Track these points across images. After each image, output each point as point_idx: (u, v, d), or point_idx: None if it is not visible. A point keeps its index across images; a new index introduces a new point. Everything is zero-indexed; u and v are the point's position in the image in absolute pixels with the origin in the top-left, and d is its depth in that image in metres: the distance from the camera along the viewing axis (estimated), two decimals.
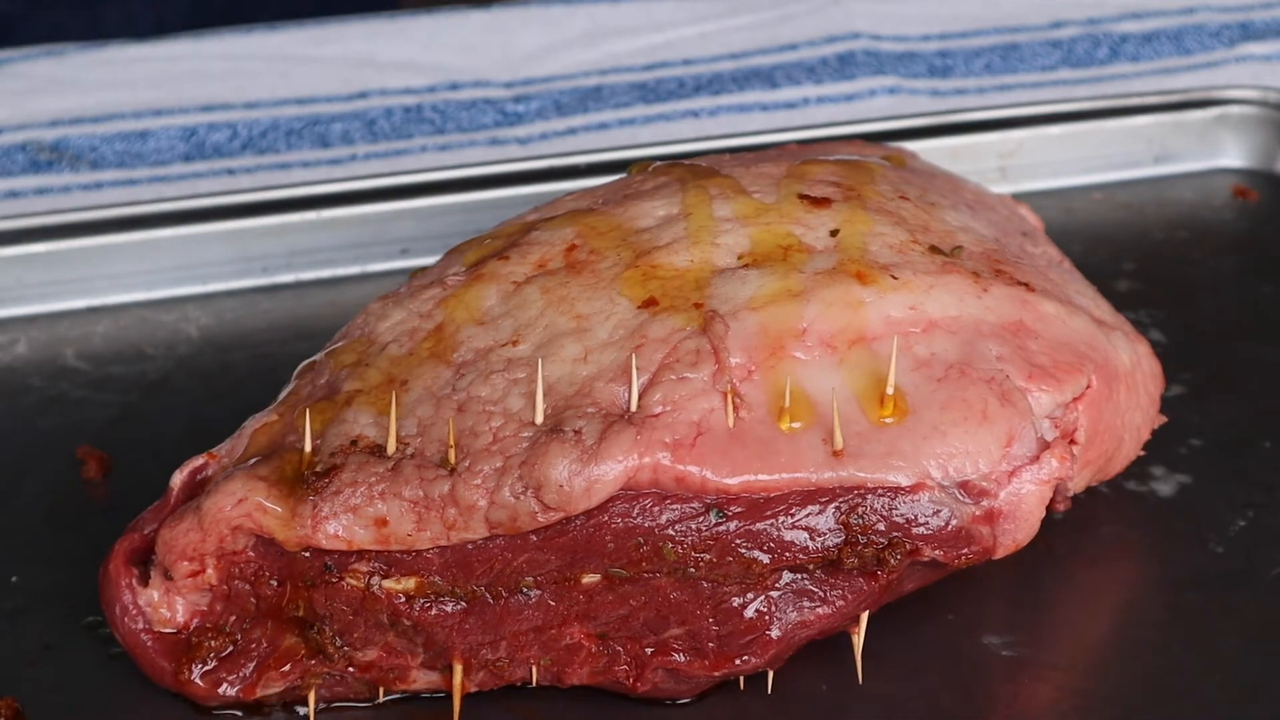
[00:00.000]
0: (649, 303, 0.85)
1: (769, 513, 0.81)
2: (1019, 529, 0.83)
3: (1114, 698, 0.85)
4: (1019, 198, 1.15)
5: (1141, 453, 0.94)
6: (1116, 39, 1.41)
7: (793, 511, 0.81)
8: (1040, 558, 0.89)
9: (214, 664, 0.84)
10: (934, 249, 0.89)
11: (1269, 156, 1.25)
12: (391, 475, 0.81)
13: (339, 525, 0.81)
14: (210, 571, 0.83)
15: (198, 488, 0.85)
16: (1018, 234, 0.97)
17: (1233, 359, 1.07)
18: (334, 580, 0.82)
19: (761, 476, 0.81)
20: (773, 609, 0.83)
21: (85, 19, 1.52)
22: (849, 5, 1.44)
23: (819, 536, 0.82)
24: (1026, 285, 0.89)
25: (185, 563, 0.82)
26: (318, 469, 0.82)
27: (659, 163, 0.99)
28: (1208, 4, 1.44)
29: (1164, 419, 0.95)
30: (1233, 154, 1.26)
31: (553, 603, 0.82)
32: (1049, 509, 0.85)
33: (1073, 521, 0.93)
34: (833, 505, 0.82)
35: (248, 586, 0.83)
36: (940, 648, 0.87)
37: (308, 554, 0.82)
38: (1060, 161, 1.25)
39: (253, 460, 0.83)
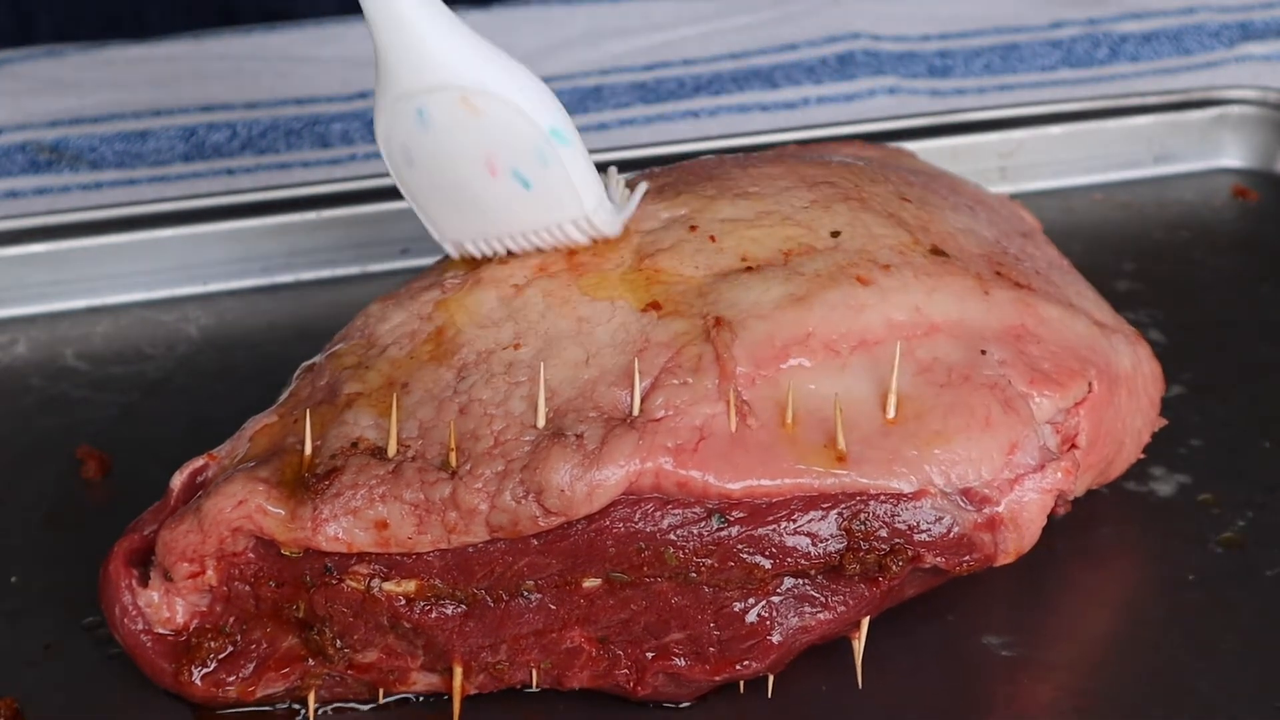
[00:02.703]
0: (652, 306, 0.85)
1: (771, 518, 0.81)
2: (1021, 537, 0.83)
3: (1114, 698, 0.85)
4: (1019, 198, 1.15)
5: (1141, 455, 0.94)
6: (1116, 39, 1.41)
7: (795, 517, 0.81)
8: (1040, 558, 0.89)
9: (214, 665, 0.84)
10: (935, 250, 0.89)
11: (1269, 156, 1.25)
12: (392, 478, 0.81)
13: (339, 527, 0.81)
14: (210, 573, 0.83)
15: (198, 489, 0.85)
16: (1018, 235, 0.97)
17: (1233, 359, 1.07)
18: (334, 582, 0.82)
19: (764, 482, 0.81)
20: (774, 614, 0.83)
21: None
22: (849, 5, 1.44)
23: (821, 542, 0.82)
24: (1028, 287, 0.89)
25: (185, 564, 0.82)
26: (318, 471, 0.82)
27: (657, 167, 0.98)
28: (1208, 4, 1.44)
29: (1164, 422, 0.95)
30: (1233, 154, 1.26)
31: (553, 606, 0.82)
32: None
33: (1073, 522, 0.93)
34: (835, 511, 0.81)
35: (248, 588, 0.83)
36: (940, 649, 0.87)
37: (306, 554, 0.82)
38: (1060, 161, 1.25)
39: (253, 462, 0.83)
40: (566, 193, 0.87)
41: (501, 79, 0.87)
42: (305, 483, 0.81)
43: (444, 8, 0.87)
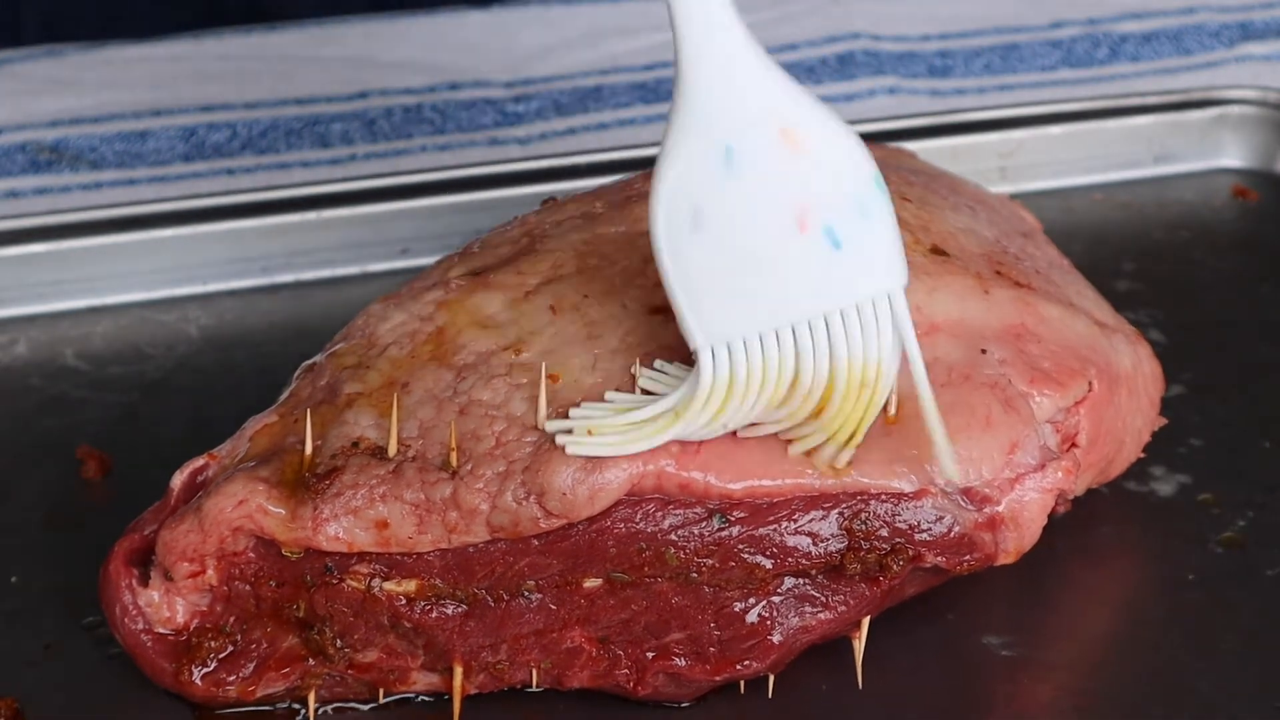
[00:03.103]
0: (659, 309, 0.85)
1: (772, 518, 0.81)
2: (1021, 536, 0.83)
3: (1114, 698, 0.85)
4: (1019, 198, 1.15)
5: (1141, 455, 0.94)
6: (1116, 39, 1.41)
7: (796, 517, 0.81)
8: (1041, 557, 0.89)
9: (214, 665, 0.84)
10: (936, 250, 0.89)
11: (1269, 156, 1.25)
12: (393, 478, 0.81)
13: (339, 527, 0.81)
14: (210, 572, 0.83)
15: (198, 489, 0.85)
16: (1018, 235, 0.97)
17: (1233, 359, 1.07)
18: (335, 582, 0.82)
19: (765, 482, 0.81)
20: (774, 614, 0.83)
21: None
22: (849, 5, 1.43)
23: (822, 542, 0.82)
24: (1028, 287, 0.89)
25: (185, 564, 0.82)
26: (318, 471, 0.82)
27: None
28: (1208, 4, 1.44)
29: (1164, 421, 0.95)
30: (1233, 154, 1.26)
31: (554, 606, 0.82)
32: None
33: (1073, 521, 0.93)
34: (836, 511, 0.81)
35: (248, 587, 0.83)
36: (940, 648, 0.87)
37: (306, 554, 0.82)
38: (1060, 161, 1.25)
39: (253, 462, 0.83)
40: (880, 256, 0.78)
41: (825, 115, 0.78)
42: (305, 482, 0.81)
43: (762, 49, 0.79)
